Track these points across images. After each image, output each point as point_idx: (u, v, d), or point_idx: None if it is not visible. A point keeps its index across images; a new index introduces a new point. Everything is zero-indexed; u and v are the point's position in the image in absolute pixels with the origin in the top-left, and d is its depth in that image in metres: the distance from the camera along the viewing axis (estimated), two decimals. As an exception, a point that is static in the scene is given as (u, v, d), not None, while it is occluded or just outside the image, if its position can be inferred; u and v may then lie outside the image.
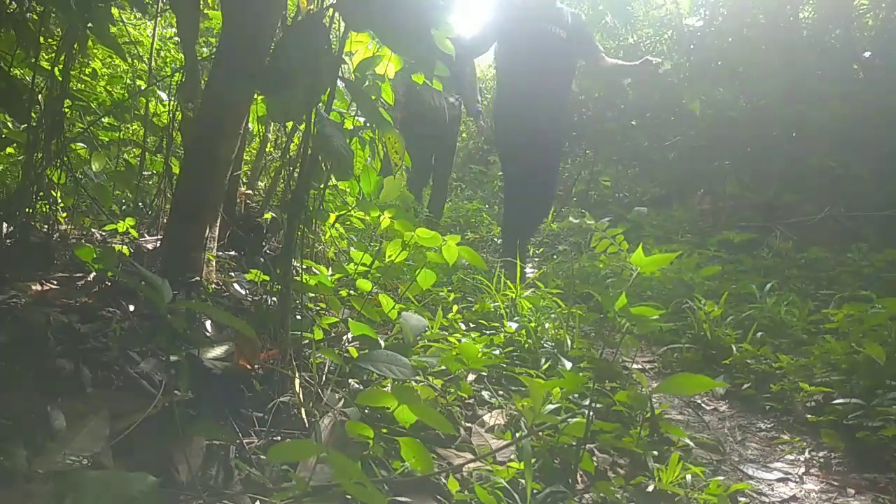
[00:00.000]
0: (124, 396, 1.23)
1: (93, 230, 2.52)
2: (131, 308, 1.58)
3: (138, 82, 3.10)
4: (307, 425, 1.33)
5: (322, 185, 1.65)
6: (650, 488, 1.40)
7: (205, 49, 3.08)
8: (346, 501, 1.09)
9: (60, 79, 1.95)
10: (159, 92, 2.92)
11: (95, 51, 3.08)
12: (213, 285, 1.92)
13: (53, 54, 2.01)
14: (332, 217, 2.43)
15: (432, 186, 5.95)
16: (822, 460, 1.82)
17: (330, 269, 2.14)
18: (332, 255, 2.90)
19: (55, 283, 1.68)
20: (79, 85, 2.85)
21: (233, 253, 2.37)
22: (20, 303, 1.47)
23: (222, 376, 1.39)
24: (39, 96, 2.05)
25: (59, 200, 2.41)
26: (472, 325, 2.45)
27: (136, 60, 3.22)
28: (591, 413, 1.38)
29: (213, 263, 1.98)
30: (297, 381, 1.37)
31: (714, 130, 6.37)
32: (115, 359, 1.33)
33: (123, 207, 3.04)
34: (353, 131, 2.27)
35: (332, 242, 2.89)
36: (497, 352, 2.08)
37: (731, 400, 2.36)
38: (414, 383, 1.62)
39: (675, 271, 3.76)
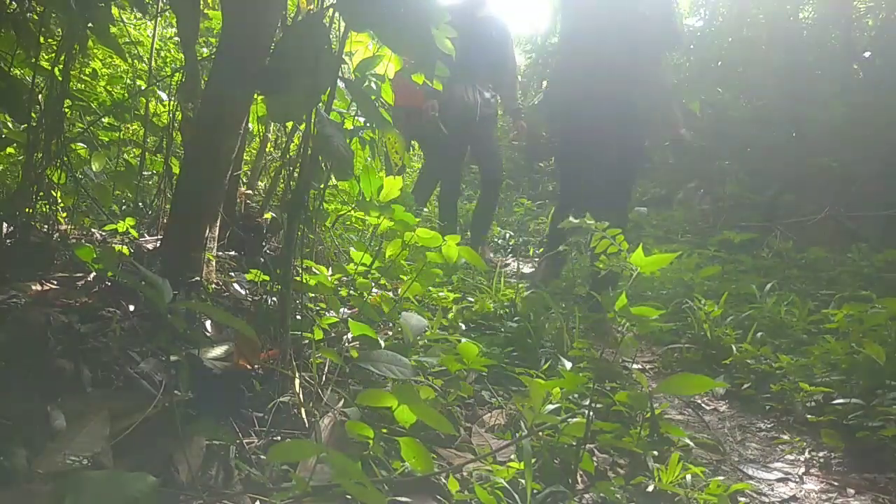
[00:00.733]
0: (124, 396, 1.23)
1: (93, 230, 2.52)
2: (131, 308, 1.58)
3: (138, 82, 3.10)
4: (307, 425, 1.33)
5: (322, 185, 1.65)
6: (650, 488, 1.40)
7: (205, 49, 3.08)
8: (346, 501, 1.09)
9: (60, 79, 1.95)
10: (159, 92, 2.92)
11: (95, 51, 3.08)
12: (213, 285, 1.92)
13: (53, 54, 2.01)
14: (333, 217, 2.43)
15: (479, 198, 5.16)
16: (822, 460, 1.82)
17: (330, 269, 2.14)
18: (332, 255, 2.90)
19: (55, 283, 1.68)
20: (79, 85, 2.85)
21: (233, 253, 2.37)
22: (20, 303, 1.47)
23: (222, 376, 1.39)
24: (39, 96, 2.05)
25: (59, 200, 2.41)
26: (472, 325, 2.45)
27: (136, 60, 3.22)
28: (591, 413, 1.38)
29: (213, 263, 1.98)
30: (297, 381, 1.37)
31: (714, 130, 6.37)
32: (115, 359, 1.33)
33: (123, 207, 3.04)
34: (353, 131, 2.27)
35: (332, 242, 2.89)
36: (497, 352, 2.08)
37: (731, 400, 2.36)
38: (414, 383, 1.62)
39: (675, 271, 3.76)
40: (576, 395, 1.77)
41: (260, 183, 3.32)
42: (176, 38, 3.48)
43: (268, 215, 2.65)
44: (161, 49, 3.56)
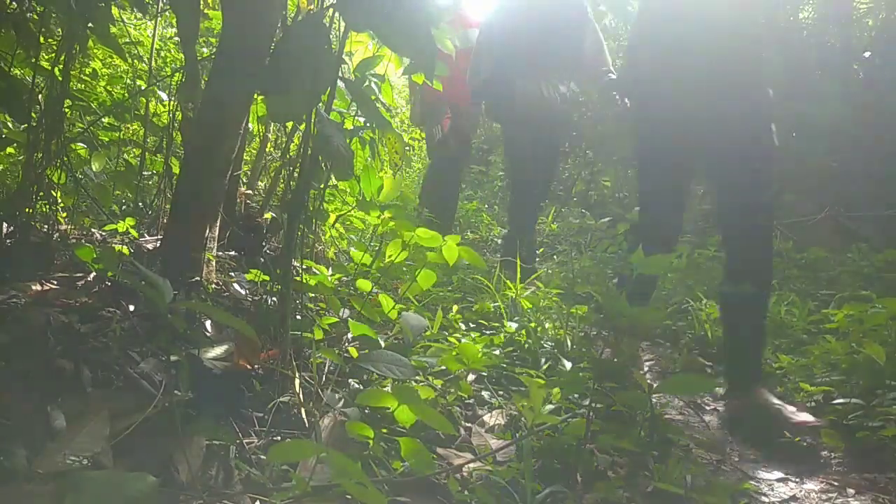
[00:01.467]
0: (124, 396, 1.23)
1: (93, 230, 2.52)
2: (131, 308, 1.58)
3: (138, 82, 3.10)
4: (307, 425, 1.33)
5: (322, 185, 1.65)
6: (650, 488, 1.40)
7: (205, 49, 3.08)
8: (346, 501, 1.09)
9: (60, 79, 1.95)
10: (159, 92, 2.92)
11: (95, 51, 3.08)
12: (213, 285, 1.92)
13: (53, 54, 2.01)
14: (333, 217, 2.43)
15: (510, 204, 4.18)
16: (822, 460, 1.82)
17: (330, 269, 2.14)
18: (332, 255, 2.91)
19: (55, 283, 1.68)
20: (79, 85, 2.85)
21: (233, 253, 2.37)
22: (20, 303, 1.47)
23: (222, 376, 1.39)
24: (39, 96, 2.05)
25: (59, 200, 2.41)
26: (472, 325, 2.45)
27: (136, 60, 3.22)
28: (591, 413, 1.38)
29: (213, 263, 1.98)
30: (297, 381, 1.37)
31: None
32: (115, 359, 1.33)
33: (123, 207, 3.04)
34: (353, 131, 2.27)
35: (332, 242, 2.89)
36: (497, 352, 2.08)
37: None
38: (414, 383, 1.62)
39: (675, 271, 3.76)
40: (576, 395, 1.77)
41: (260, 183, 3.32)
42: (176, 38, 3.48)
43: (268, 215, 2.65)
44: (161, 49, 3.56)
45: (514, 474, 1.30)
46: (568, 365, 1.98)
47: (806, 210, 5.11)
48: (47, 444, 1.00)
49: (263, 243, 2.57)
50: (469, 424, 1.65)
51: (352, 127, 2.31)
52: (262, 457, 1.21)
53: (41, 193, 2.07)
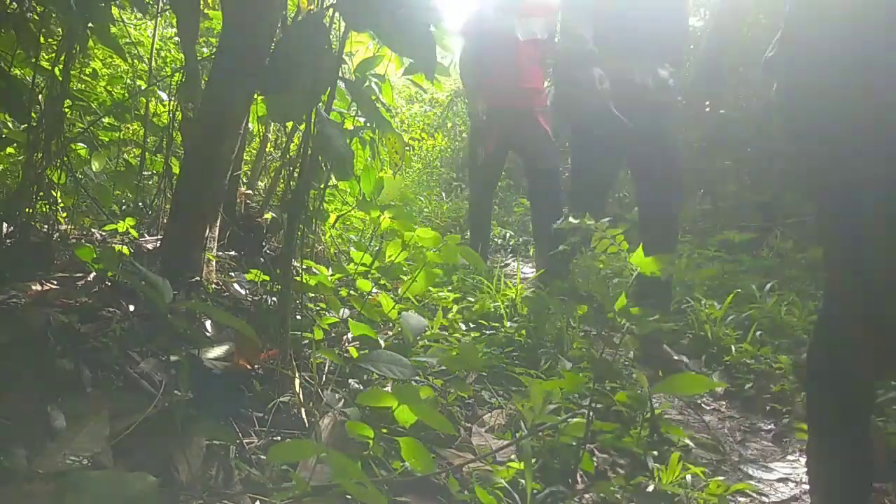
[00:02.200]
0: (124, 396, 1.23)
1: (93, 230, 2.52)
2: (131, 308, 1.58)
3: (138, 82, 3.10)
4: (307, 425, 1.33)
5: (322, 185, 1.65)
6: (650, 488, 1.40)
7: (205, 49, 3.08)
8: (346, 501, 1.09)
9: (60, 79, 1.95)
10: (159, 92, 2.92)
11: (95, 51, 3.08)
12: (213, 285, 1.92)
13: (53, 54, 2.01)
14: (333, 217, 2.43)
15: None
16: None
17: (330, 269, 2.14)
18: (332, 255, 2.91)
19: (55, 283, 1.68)
20: (79, 85, 2.85)
21: (233, 253, 2.37)
22: (20, 303, 1.47)
23: (222, 376, 1.39)
24: (39, 96, 2.05)
25: (59, 200, 2.41)
26: (472, 325, 2.45)
27: (136, 60, 3.22)
28: (591, 413, 1.38)
29: (213, 263, 1.98)
30: (297, 381, 1.37)
31: (714, 130, 6.37)
32: (115, 359, 1.33)
33: (123, 207, 3.04)
34: (353, 131, 2.27)
35: (332, 242, 2.89)
36: (497, 352, 2.08)
37: (731, 400, 2.36)
38: (414, 383, 1.62)
39: (675, 271, 3.75)
40: (576, 395, 1.77)
41: (260, 183, 3.32)
42: (176, 38, 3.48)
43: (268, 215, 2.65)
44: (161, 49, 3.56)
45: (513, 474, 1.30)
46: (568, 365, 1.97)
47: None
48: (47, 444, 1.00)
49: (263, 243, 2.57)
50: (469, 424, 1.65)
51: (352, 127, 2.31)
52: (262, 457, 1.21)
53: (41, 193, 2.07)
